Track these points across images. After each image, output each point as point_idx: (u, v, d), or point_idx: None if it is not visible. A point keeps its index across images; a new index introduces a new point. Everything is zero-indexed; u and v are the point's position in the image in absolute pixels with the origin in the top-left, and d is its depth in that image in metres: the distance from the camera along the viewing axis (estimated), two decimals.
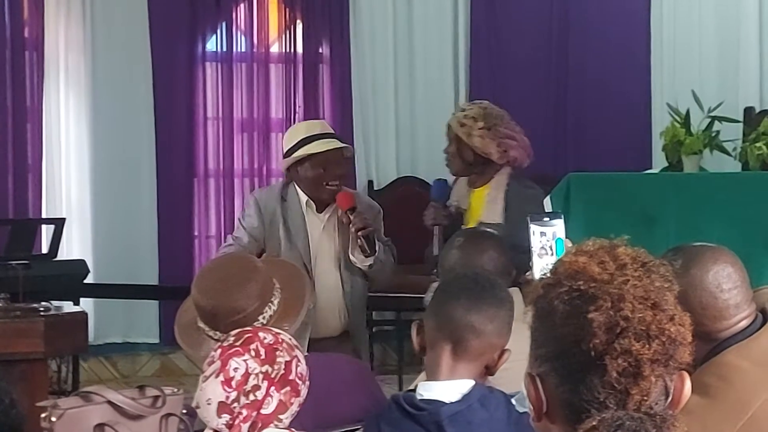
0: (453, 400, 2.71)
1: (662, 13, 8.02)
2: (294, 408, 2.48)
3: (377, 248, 4.85)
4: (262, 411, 2.44)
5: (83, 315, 5.55)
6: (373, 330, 7.48)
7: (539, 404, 1.72)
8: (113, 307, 7.89)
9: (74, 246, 7.85)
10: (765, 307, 2.85)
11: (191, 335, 3.12)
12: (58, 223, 6.94)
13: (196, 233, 8.34)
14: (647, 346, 1.64)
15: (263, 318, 3.01)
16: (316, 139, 4.93)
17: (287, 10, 8.45)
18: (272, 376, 2.45)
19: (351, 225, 4.84)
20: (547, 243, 3.37)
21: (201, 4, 8.24)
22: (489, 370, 2.81)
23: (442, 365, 2.76)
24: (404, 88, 8.41)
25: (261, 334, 2.50)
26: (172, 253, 8.15)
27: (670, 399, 1.70)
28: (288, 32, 8.45)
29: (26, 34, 7.97)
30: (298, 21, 8.44)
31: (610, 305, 1.66)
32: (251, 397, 2.43)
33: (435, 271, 4.21)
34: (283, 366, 2.47)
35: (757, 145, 5.25)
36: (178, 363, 7.91)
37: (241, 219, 5.09)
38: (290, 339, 2.54)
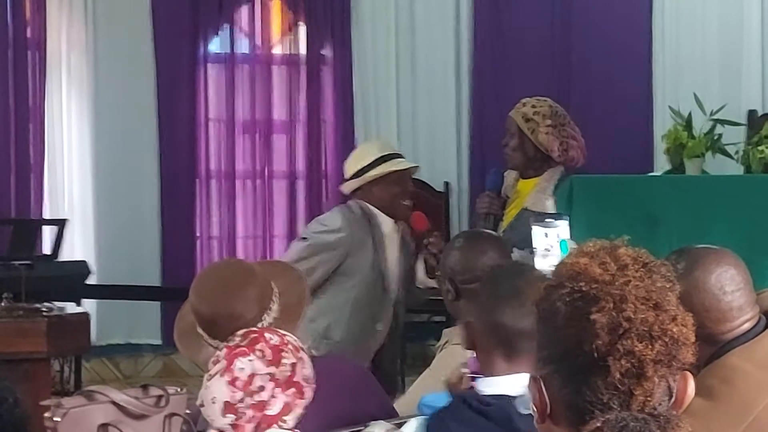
0: (518, 394, 2.69)
1: (664, 15, 8.01)
2: (298, 410, 2.48)
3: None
4: (267, 412, 2.44)
5: (86, 315, 5.56)
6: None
7: (543, 406, 1.72)
8: (116, 308, 7.90)
9: (76, 247, 7.85)
10: None
11: (191, 340, 3.10)
12: (61, 224, 6.94)
13: (198, 234, 8.34)
14: (650, 346, 1.65)
15: (262, 324, 2.99)
16: (395, 158, 5.08)
17: (290, 12, 8.45)
18: (277, 377, 2.45)
19: (430, 247, 4.98)
20: (550, 244, 3.38)
21: (204, 6, 8.24)
22: None
23: (497, 364, 2.74)
24: (406, 90, 8.41)
25: (267, 335, 2.50)
26: (175, 254, 8.16)
27: (673, 399, 1.70)
28: (290, 34, 8.46)
29: (29, 35, 7.97)
30: (301, 23, 8.44)
31: (613, 306, 1.66)
32: (256, 397, 2.43)
33: None
34: (288, 367, 2.47)
35: (760, 148, 5.24)
36: (180, 364, 7.92)
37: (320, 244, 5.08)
38: (296, 340, 2.54)
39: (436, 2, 8.40)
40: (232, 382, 2.43)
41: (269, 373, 2.45)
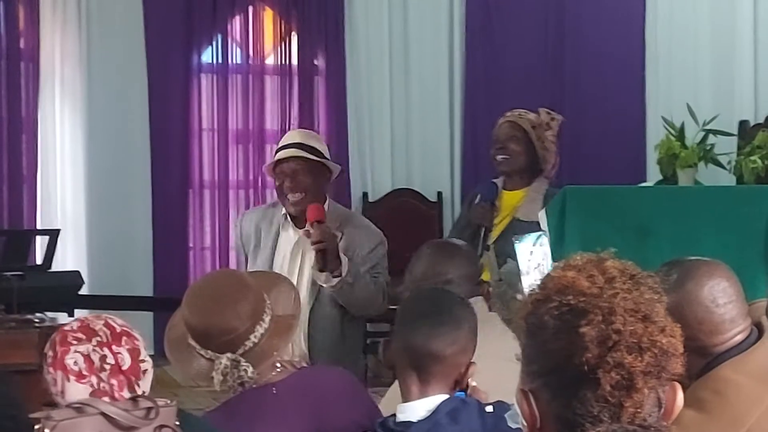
0: (420, 418, 2.72)
1: (657, 26, 8.03)
2: (143, 349, 2.58)
3: (344, 269, 4.46)
4: (123, 368, 2.53)
5: None
6: (368, 342, 7.45)
7: (533, 420, 1.72)
8: None
9: (69, 257, 7.85)
10: (760, 321, 2.86)
11: (181, 351, 3.10)
12: (53, 234, 6.93)
13: (191, 245, 8.33)
14: (639, 358, 1.65)
15: (255, 337, 2.98)
16: (285, 148, 4.65)
17: (282, 22, 8.45)
18: (105, 340, 2.54)
19: (310, 237, 4.48)
20: (535, 262, 3.40)
21: (197, 16, 8.24)
22: (459, 384, 2.82)
23: (411, 388, 2.79)
24: (399, 100, 8.42)
25: (65, 328, 2.59)
26: (167, 264, 8.15)
27: (662, 410, 1.70)
28: (283, 44, 8.46)
29: (22, 45, 7.97)
30: (294, 33, 8.44)
31: (601, 319, 1.66)
32: (107, 367, 2.52)
33: None
34: (105, 328, 2.56)
35: (752, 158, 5.25)
36: (172, 374, 7.89)
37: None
38: (87, 317, 2.64)
39: (429, 13, 8.41)
40: (79, 377, 2.51)
41: (96, 343, 2.53)
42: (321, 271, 4.49)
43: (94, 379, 2.52)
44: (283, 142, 4.78)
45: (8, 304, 5.42)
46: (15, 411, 2.20)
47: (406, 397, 2.80)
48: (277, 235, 4.70)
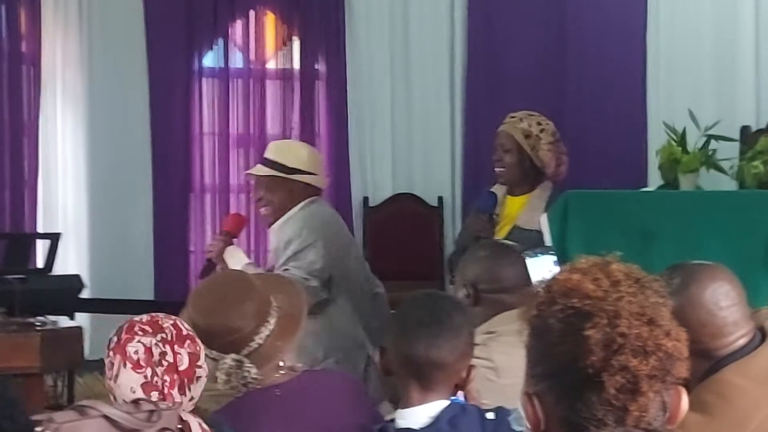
0: (422, 426, 2.71)
1: (658, 31, 8.03)
2: (203, 355, 2.66)
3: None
4: (180, 369, 2.59)
5: (79, 330, 5.55)
6: None
7: (537, 423, 1.72)
8: (109, 322, 7.80)
9: (70, 261, 7.83)
10: (763, 325, 2.86)
11: None
12: (54, 238, 6.92)
13: (192, 248, 8.32)
14: (644, 361, 1.64)
15: (259, 338, 3.00)
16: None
17: (284, 26, 8.45)
18: (169, 339, 2.61)
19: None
20: (543, 275, 3.40)
21: (198, 20, 8.24)
22: (459, 387, 2.82)
23: (411, 395, 2.78)
24: (400, 104, 8.41)
25: (135, 318, 2.67)
26: (168, 268, 8.14)
27: (667, 415, 1.70)
28: (285, 49, 8.45)
29: (23, 49, 7.97)
30: (295, 37, 8.44)
31: (606, 322, 1.66)
32: (164, 363, 2.58)
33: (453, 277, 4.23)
34: (171, 328, 2.63)
35: (754, 163, 5.25)
36: None
37: None
38: (159, 314, 2.71)
39: (430, 18, 8.40)
40: (136, 366, 2.57)
41: (159, 340, 2.60)
42: (200, 277, 4.94)
43: (149, 372, 2.58)
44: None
45: (10, 308, 5.42)
46: (12, 411, 2.20)
47: (406, 403, 2.79)
48: None
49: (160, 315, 2.70)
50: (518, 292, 3.48)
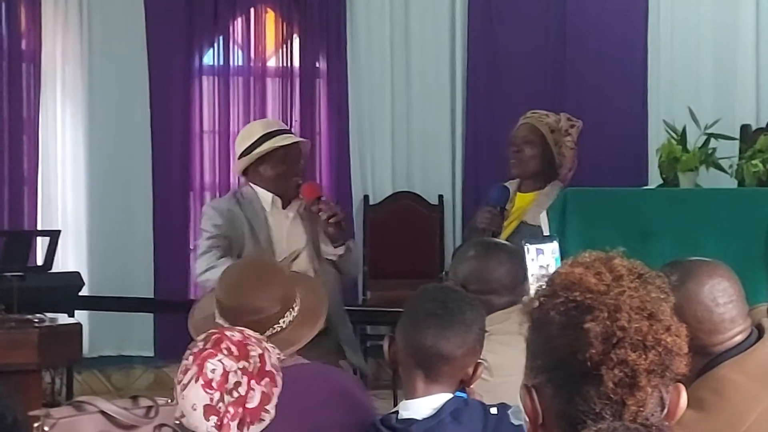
0: (425, 416, 2.71)
1: (659, 29, 8.03)
2: (275, 399, 2.54)
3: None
4: (248, 405, 2.49)
5: (77, 326, 5.54)
6: (368, 345, 7.45)
7: (535, 416, 1.72)
8: (108, 319, 7.87)
9: (69, 258, 7.84)
10: (760, 322, 2.86)
11: (207, 330, 3.11)
12: (54, 235, 6.92)
13: (191, 247, 8.31)
14: (643, 356, 1.64)
15: (283, 322, 3.02)
16: (278, 134, 4.95)
17: (284, 24, 8.45)
18: (250, 370, 2.51)
19: (321, 213, 4.83)
20: (543, 266, 3.39)
21: (198, 18, 8.24)
22: (465, 383, 2.81)
23: (416, 386, 2.78)
24: (401, 102, 8.41)
25: (228, 333, 2.56)
26: (168, 266, 8.13)
27: (665, 411, 1.70)
28: (285, 46, 8.45)
29: (23, 47, 7.97)
30: (295, 35, 8.44)
31: (607, 316, 1.66)
32: (235, 394, 2.47)
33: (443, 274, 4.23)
34: (257, 359, 2.53)
35: (754, 162, 5.24)
36: (172, 376, 7.82)
37: (207, 229, 4.98)
38: (255, 333, 2.60)
39: (431, 15, 8.40)
40: (207, 385, 2.47)
41: (241, 368, 2.50)
42: (336, 244, 4.79)
43: (216, 396, 2.48)
44: (267, 129, 5.03)
45: (8, 305, 5.42)
46: (6, 406, 2.18)
47: (410, 394, 2.79)
48: (265, 217, 4.91)
49: (252, 337, 2.59)
50: (508, 293, 3.47)
